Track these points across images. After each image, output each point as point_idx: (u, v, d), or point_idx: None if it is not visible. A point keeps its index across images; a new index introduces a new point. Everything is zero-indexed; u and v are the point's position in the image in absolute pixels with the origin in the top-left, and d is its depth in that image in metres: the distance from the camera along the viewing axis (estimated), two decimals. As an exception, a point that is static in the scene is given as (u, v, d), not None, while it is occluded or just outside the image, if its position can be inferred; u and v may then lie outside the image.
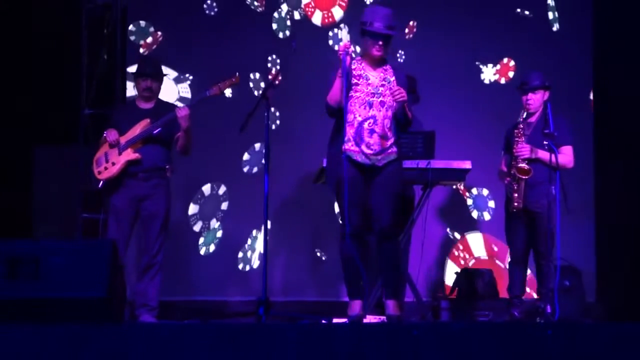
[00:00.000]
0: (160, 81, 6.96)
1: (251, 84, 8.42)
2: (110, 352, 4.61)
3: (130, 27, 8.43)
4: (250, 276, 8.27)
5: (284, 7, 8.60)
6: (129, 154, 6.71)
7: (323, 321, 5.91)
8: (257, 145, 8.38)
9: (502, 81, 8.72)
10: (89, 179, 7.12)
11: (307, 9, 8.64)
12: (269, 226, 6.49)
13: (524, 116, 6.98)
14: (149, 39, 8.44)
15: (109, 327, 4.84)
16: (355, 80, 6.04)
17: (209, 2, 8.55)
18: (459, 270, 7.86)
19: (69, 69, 8.23)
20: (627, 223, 8.44)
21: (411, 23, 8.66)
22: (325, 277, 8.29)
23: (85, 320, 4.97)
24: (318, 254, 8.37)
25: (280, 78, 7.12)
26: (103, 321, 5.00)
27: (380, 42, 6.03)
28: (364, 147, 5.99)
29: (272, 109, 7.99)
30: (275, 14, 8.57)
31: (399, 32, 6.15)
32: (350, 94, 6.01)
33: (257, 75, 8.44)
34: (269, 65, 8.42)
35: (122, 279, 5.53)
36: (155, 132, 6.74)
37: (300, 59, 7.71)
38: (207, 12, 8.55)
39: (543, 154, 6.78)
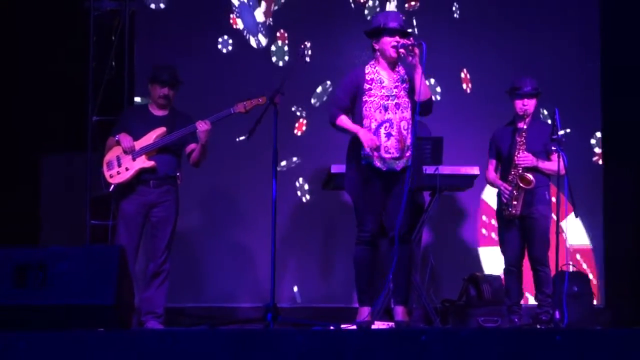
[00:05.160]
0: (176, 89, 6.86)
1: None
2: (118, 359, 4.60)
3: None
4: (259, 282, 8.26)
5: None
6: (144, 162, 6.65)
7: (331, 327, 5.90)
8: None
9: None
10: (96, 183, 7.01)
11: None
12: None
13: (513, 122, 6.98)
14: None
15: (117, 334, 4.83)
16: (368, 85, 6.04)
17: (225, 37, 8.50)
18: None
19: (77, 75, 8.22)
20: (636, 228, 8.41)
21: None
22: (333, 284, 8.27)
23: (93, 327, 4.97)
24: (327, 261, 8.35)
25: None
26: (111, 328, 4.99)
27: (398, 40, 6.01)
28: (382, 152, 5.97)
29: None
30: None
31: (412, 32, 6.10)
32: (364, 99, 6.02)
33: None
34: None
35: (131, 286, 5.52)
36: (171, 141, 6.68)
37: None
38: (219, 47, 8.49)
39: (542, 164, 6.84)
